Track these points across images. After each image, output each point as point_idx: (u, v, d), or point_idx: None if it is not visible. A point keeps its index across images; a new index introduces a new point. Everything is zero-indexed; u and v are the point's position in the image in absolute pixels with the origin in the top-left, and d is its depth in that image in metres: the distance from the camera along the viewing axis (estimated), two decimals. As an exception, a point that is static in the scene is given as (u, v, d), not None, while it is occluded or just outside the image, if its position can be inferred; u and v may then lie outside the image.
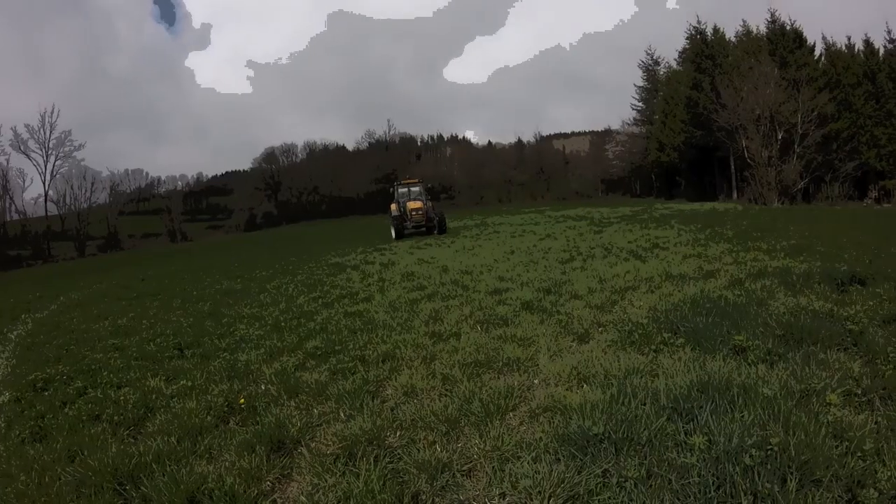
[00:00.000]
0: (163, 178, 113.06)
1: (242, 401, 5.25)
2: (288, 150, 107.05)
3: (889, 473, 3.04)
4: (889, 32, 50.26)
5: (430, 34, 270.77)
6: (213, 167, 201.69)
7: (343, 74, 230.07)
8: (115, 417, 5.29)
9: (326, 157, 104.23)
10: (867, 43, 50.74)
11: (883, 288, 7.23)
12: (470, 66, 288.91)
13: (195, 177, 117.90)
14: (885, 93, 47.07)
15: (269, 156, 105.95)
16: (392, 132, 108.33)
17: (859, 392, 4.06)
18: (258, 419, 4.80)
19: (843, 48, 51.88)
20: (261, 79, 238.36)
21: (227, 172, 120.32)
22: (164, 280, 21.16)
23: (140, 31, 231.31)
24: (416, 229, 29.83)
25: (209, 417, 4.98)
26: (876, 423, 3.62)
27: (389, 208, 32.07)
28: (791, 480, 2.96)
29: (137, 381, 6.52)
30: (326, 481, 3.63)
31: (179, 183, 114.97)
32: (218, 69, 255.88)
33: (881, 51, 50.00)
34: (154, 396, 5.81)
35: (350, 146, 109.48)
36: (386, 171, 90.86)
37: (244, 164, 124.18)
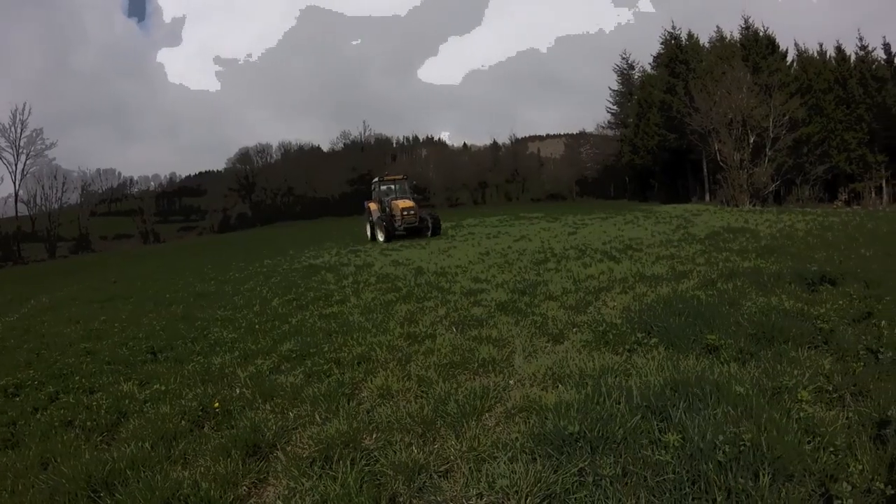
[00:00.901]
0: (135, 178, 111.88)
1: (217, 405, 5.20)
2: (263, 150, 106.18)
3: (861, 467, 3.10)
4: (861, 39, 51.56)
5: (404, 33, 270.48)
6: (185, 166, 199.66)
7: (317, 73, 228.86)
8: (88, 423, 5.21)
9: (301, 158, 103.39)
10: (839, 50, 51.99)
11: (853, 287, 7.37)
12: (445, 67, 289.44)
13: (168, 177, 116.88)
14: (855, 98, 48.18)
15: (244, 156, 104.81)
16: (367, 133, 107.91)
17: (830, 389, 4.15)
18: (233, 423, 4.77)
19: (815, 55, 53.15)
20: (233, 76, 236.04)
21: (200, 173, 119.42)
22: (137, 282, 20.84)
23: (109, 26, 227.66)
24: (408, 231, 26.90)
25: (183, 422, 4.92)
26: (847, 418, 3.70)
27: (367, 207, 29.51)
28: (764, 476, 3.01)
29: (110, 386, 6.42)
30: (303, 485, 3.61)
31: (152, 183, 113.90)
32: (190, 66, 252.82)
33: (852, 57, 51.19)
34: (127, 401, 5.72)
35: (325, 146, 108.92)
36: (361, 172, 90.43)
37: (217, 163, 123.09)
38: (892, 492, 2.87)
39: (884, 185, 49.47)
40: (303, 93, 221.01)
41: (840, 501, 2.84)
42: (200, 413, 5.14)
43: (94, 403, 5.73)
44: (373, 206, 28.93)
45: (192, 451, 4.35)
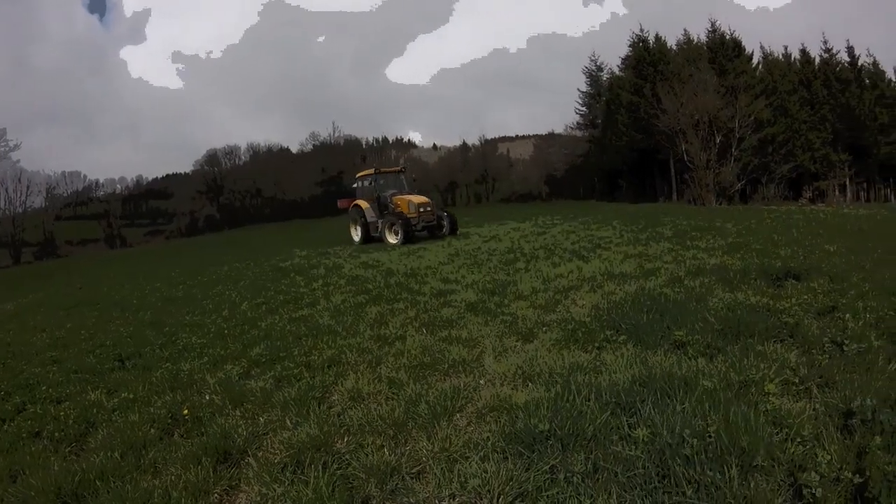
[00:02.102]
0: (101, 180, 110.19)
1: (186, 412, 5.13)
2: (231, 151, 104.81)
3: (829, 457, 3.15)
4: (825, 43, 52.93)
5: (372, 30, 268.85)
6: (150, 165, 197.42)
7: (282, 71, 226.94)
8: (57, 434, 5.12)
9: (270, 160, 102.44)
10: (803, 52, 53.43)
11: (817, 282, 7.50)
12: (414, 66, 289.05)
13: (134, 179, 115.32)
14: (819, 99, 49.53)
15: (211, 157, 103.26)
16: (337, 134, 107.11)
17: (797, 381, 4.20)
18: (203, 430, 4.70)
19: (780, 57, 54.36)
20: (196, 73, 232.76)
21: (167, 175, 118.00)
22: (103, 288, 20.50)
23: (69, 20, 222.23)
24: (425, 230, 23.45)
25: (153, 430, 4.85)
26: (814, 409, 3.76)
27: (351, 206, 25.78)
28: (732, 468, 3.05)
29: (77, 395, 6.30)
30: (275, 490, 3.57)
31: (118, 186, 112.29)
32: (151, 62, 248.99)
33: (817, 60, 52.49)
34: (95, 410, 5.63)
35: (292, 146, 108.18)
36: (331, 174, 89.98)
37: (183, 162, 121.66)
38: (860, 480, 2.92)
39: (847, 183, 50.86)
40: (268, 91, 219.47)
41: (809, 491, 2.88)
42: (170, 421, 5.07)
43: (62, 413, 5.63)
44: (364, 203, 25.05)
45: (162, 460, 4.29)
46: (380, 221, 23.91)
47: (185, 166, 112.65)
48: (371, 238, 24.53)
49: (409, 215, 22.79)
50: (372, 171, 26.50)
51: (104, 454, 4.39)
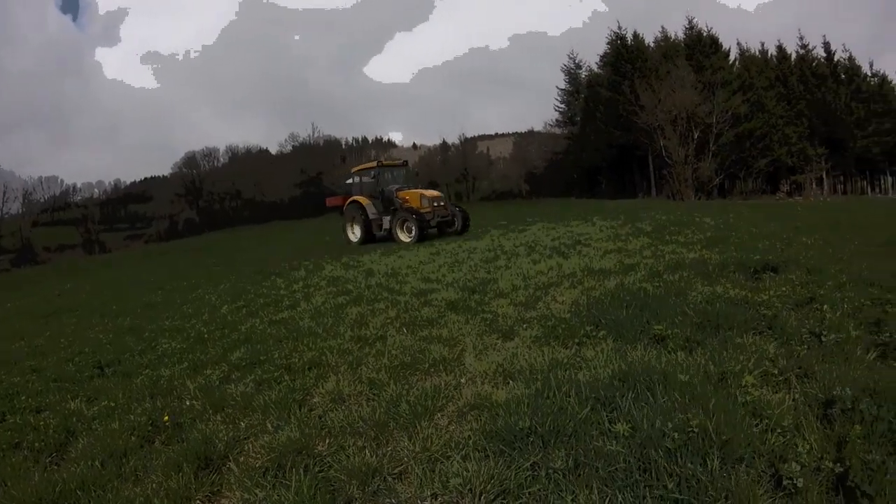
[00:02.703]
0: (79, 185, 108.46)
1: (167, 418, 5.08)
2: (209, 153, 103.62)
3: (809, 447, 3.19)
4: (801, 38, 53.64)
5: (350, 28, 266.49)
6: (128, 167, 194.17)
7: (259, 70, 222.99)
8: (37, 444, 5.04)
9: (249, 161, 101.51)
10: (780, 48, 54.05)
11: (795, 274, 7.58)
12: (393, 64, 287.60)
13: (112, 183, 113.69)
14: (795, 94, 50.17)
15: (190, 160, 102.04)
16: (317, 135, 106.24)
17: (776, 372, 4.23)
18: (184, 436, 4.66)
19: (757, 53, 54.98)
20: (171, 74, 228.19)
21: (145, 178, 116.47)
22: (82, 295, 20.25)
23: (42, 22, 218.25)
24: (437, 226, 21.73)
25: (133, 438, 4.79)
26: (793, 400, 3.79)
27: (345, 204, 23.89)
28: (713, 460, 3.08)
29: (57, 404, 6.21)
30: (256, 495, 3.56)
31: (96, 190, 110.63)
32: (127, 63, 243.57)
33: (793, 56, 53.17)
34: (75, 419, 5.55)
35: (271, 146, 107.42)
36: (310, 175, 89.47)
37: (161, 163, 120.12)
38: (841, 469, 2.95)
39: (824, 176, 51.49)
40: (247, 91, 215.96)
41: (790, 481, 2.91)
42: (150, 428, 5.01)
43: (42, 423, 5.54)
44: (363, 199, 23.00)
45: (143, 468, 4.26)
46: (385, 219, 22.15)
47: (164, 169, 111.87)
48: (372, 237, 22.75)
49: (422, 210, 21.02)
50: (374, 164, 24.84)
51: (85, 463, 4.34)
